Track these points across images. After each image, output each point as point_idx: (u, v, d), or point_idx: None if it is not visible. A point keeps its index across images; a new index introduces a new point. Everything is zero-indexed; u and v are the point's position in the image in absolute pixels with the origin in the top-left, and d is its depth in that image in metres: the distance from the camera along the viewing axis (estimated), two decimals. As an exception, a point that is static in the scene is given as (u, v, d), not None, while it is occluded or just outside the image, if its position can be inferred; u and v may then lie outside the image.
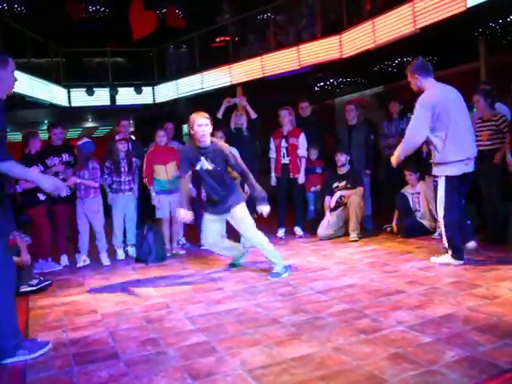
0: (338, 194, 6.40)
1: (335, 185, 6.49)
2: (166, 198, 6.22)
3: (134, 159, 6.38)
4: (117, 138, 6.27)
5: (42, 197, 5.82)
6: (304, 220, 7.00)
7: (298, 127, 6.89)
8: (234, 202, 4.80)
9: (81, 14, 15.12)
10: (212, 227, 4.95)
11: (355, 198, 6.21)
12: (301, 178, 6.71)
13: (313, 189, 6.98)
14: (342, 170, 6.50)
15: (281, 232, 6.90)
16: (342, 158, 6.44)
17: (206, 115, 4.66)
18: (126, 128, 7.02)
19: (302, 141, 6.72)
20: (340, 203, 6.43)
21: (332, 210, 6.44)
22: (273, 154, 6.82)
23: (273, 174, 6.82)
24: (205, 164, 4.67)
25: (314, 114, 7.69)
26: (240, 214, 4.81)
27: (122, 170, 6.19)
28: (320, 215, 6.67)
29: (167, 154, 6.26)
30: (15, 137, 15.56)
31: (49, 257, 5.95)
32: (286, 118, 6.77)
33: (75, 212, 6.12)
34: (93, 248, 6.15)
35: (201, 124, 4.56)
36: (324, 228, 6.38)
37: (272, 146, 6.83)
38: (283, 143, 6.75)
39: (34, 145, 5.91)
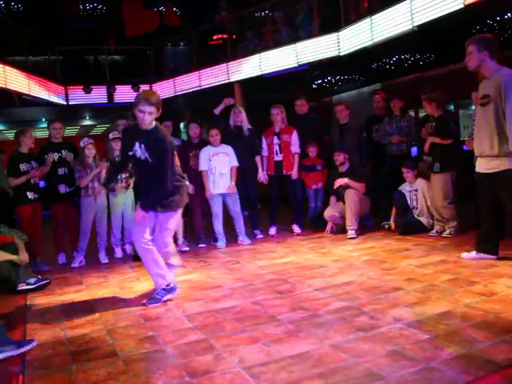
0: (344, 180, 6.38)
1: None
2: None
3: None
4: (110, 136, 6.26)
5: (30, 195, 5.79)
6: (303, 217, 7.01)
7: (296, 124, 6.89)
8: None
9: (75, 11, 15.13)
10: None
11: (350, 193, 6.21)
12: (294, 174, 6.71)
13: (314, 186, 6.96)
14: (343, 169, 6.50)
15: (272, 230, 6.91)
16: (339, 158, 6.45)
17: (151, 99, 3.92)
18: (122, 127, 7.02)
19: (295, 138, 6.73)
20: (340, 194, 6.45)
21: (334, 194, 6.50)
22: (265, 153, 6.80)
23: (263, 172, 6.76)
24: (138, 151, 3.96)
25: (314, 112, 7.70)
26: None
27: None
28: (321, 213, 6.68)
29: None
30: (12, 135, 15.54)
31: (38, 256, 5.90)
32: (279, 116, 6.77)
33: (73, 210, 6.13)
34: (90, 246, 6.13)
35: (142, 110, 3.87)
36: (331, 210, 6.42)
37: (264, 144, 6.82)
38: (275, 140, 6.75)
39: (24, 142, 5.86)
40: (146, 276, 5.04)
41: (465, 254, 4.62)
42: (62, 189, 6.09)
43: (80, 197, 6.03)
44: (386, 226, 6.46)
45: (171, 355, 2.90)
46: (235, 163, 6.35)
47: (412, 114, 9.99)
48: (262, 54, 11.00)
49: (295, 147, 6.72)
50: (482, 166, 4.33)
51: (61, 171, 6.11)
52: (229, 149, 6.35)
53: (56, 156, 6.12)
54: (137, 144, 3.96)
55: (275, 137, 6.76)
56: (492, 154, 4.16)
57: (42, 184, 6.07)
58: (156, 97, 4.01)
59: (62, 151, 6.15)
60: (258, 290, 4.15)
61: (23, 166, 5.76)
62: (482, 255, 4.47)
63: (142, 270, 5.39)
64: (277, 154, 6.74)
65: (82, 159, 5.95)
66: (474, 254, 4.54)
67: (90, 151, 5.95)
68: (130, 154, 4.01)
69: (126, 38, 13.97)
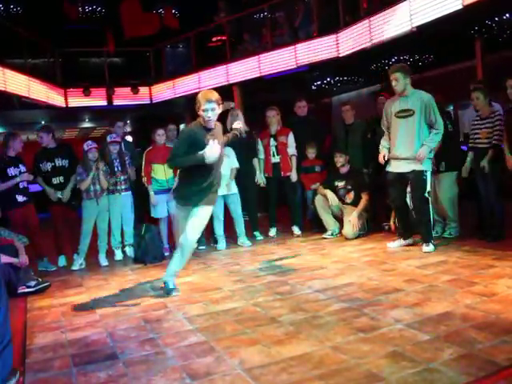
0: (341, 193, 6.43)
1: (336, 184, 6.51)
2: (164, 197, 6.22)
3: (126, 158, 6.38)
4: (108, 139, 6.26)
5: (20, 198, 5.76)
6: (302, 219, 7.01)
7: (295, 126, 6.89)
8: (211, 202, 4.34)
9: (75, 14, 15.13)
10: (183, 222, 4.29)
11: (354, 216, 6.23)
12: (293, 176, 6.71)
13: (313, 186, 6.94)
14: (343, 170, 6.50)
15: (272, 231, 6.93)
16: (340, 159, 6.44)
17: (214, 96, 4.21)
18: (121, 129, 7.02)
19: (291, 139, 6.74)
20: (343, 200, 6.45)
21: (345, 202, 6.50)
22: (262, 155, 6.79)
23: (261, 175, 6.74)
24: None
25: (312, 113, 7.69)
26: (204, 213, 4.31)
27: (116, 169, 6.20)
28: (316, 212, 6.67)
29: (166, 154, 6.27)
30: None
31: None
32: (274, 118, 6.77)
33: (71, 212, 6.14)
34: (90, 248, 6.13)
35: (206, 109, 4.15)
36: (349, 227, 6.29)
37: (260, 146, 6.79)
38: (272, 142, 6.75)
39: (13, 146, 5.80)
40: (146, 278, 5.06)
41: (390, 244, 5.47)
42: (58, 195, 6.08)
43: (81, 199, 6.03)
44: (386, 227, 6.46)
45: (172, 357, 2.90)
46: (235, 165, 6.35)
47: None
48: (261, 55, 11.01)
49: (291, 149, 6.73)
50: (397, 166, 5.28)
51: (55, 180, 6.08)
52: (229, 150, 6.35)
53: (49, 166, 6.09)
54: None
55: (271, 139, 6.76)
56: (410, 157, 5.10)
57: (39, 188, 6.06)
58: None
59: (56, 160, 6.10)
60: (258, 291, 4.15)
61: (11, 171, 5.69)
62: (403, 242, 5.44)
63: (142, 272, 5.41)
64: (274, 155, 6.74)
65: (85, 162, 5.95)
66: (401, 241, 5.42)
67: (94, 155, 5.95)
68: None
69: (126, 41, 13.96)
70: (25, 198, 5.80)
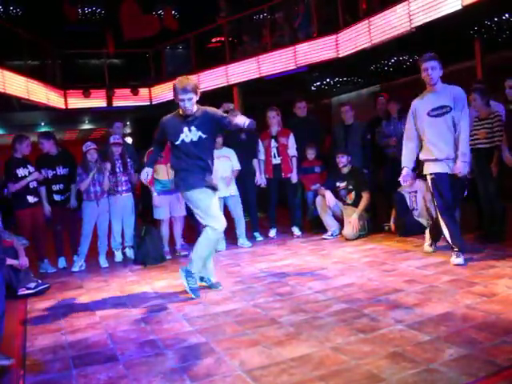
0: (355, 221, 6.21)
1: (337, 184, 6.50)
2: (167, 198, 6.18)
3: (128, 160, 6.37)
4: (111, 141, 6.25)
5: (30, 199, 5.76)
6: (302, 220, 7.01)
7: (295, 127, 6.89)
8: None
9: (75, 15, 15.18)
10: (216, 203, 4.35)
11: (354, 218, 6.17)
12: (294, 178, 6.72)
13: (313, 187, 6.94)
14: (344, 170, 6.50)
15: (272, 232, 6.93)
16: (342, 160, 6.42)
17: (190, 84, 4.09)
18: (120, 130, 7.02)
19: (292, 141, 6.74)
20: (344, 200, 6.44)
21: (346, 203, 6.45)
22: (262, 156, 6.77)
23: (261, 175, 6.73)
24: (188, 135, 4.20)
25: (312, 114, 7.69)
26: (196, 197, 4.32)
27: (118, 170, 6.19)
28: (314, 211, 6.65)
29: (169, 154, 6.27)
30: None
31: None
32: (275, 119, 6.77)
33: (69, 214, 6.15)
34: (90, 250, 6.13)
35: (183, 99, 4.10)
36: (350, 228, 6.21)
37: (261, 147, 6.79)
38: (273, 143, 6.75)
39: (20, 149, 5.79)
40: (146, 280, 5.06)
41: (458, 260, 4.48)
42: (57, 197, 6.11)
43: (82, 201, 6.03)
44: (386, 228, 6.46)
45: (172, 359, 2.90)
46: (237, 167, 6.35)
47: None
48: (261, 56, 11.02)
49: (292, 150, 6.73)
50: (445, 167, 4.59)
51: (55, 187, 6.09)
52: (230, 152, 6.34)
53: (50, 174, 6.08)
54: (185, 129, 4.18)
55: (272, 140, 6.76)
56: (453, 158, 4.56)
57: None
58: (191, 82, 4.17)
59: (57, 168, 6.09)
60: (259, 292, 4.15)
61: (20, 171, 5.70)
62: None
63: (142, 273, 5.41)
64: (275, 157, 6.73)
65: (84, 163, 5.96)
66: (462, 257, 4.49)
67: (92, 156, 5.96)
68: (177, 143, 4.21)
69: (125, 42, 13.98)
70: (35, 199, 5.83)
